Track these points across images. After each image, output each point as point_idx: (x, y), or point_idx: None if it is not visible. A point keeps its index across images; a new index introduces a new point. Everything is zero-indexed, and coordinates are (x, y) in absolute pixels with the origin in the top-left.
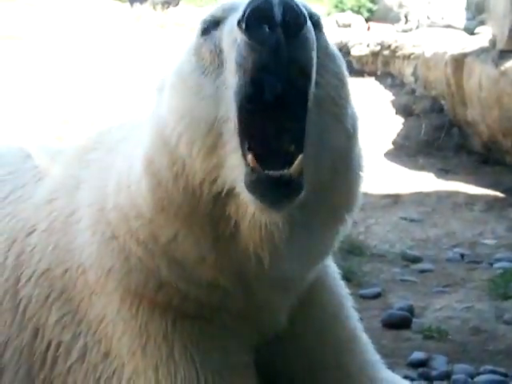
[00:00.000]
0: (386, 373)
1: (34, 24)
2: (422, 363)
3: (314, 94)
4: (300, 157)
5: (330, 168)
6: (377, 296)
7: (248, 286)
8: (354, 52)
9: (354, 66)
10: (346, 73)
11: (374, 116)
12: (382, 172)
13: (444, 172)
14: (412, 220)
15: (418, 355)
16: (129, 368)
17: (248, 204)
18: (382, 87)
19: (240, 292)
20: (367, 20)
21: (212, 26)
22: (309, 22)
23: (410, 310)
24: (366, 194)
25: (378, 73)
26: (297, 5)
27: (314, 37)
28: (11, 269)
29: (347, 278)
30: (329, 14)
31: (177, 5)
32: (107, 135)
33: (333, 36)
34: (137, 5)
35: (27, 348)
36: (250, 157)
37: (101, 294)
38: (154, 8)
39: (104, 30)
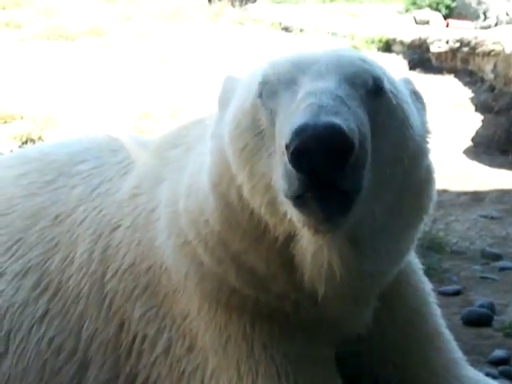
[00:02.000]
0: (469, 370)
1: (113, 19)
2: (503, 361)
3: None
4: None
5: (393, 193)
6: (457, 293)
7: (319, 303)
8: (433, 49)
9: (432, 63)
10: (408, 120)
11: (454, 113)
12: (461, 169)
13: None
14: (492, 217)
15: (499, 353)
16: (212, 363)
17: (307, 241)
18: (461, 84)
19: (312, 305)
20: (445, 17)
21: (268, 92)
22: (357, 146)
23: (491, 307)
24: (445, 192)
25: (457, 70)
26: (345, 134)
27: (368, 148)
28: (98, 263)
29: (427, 274)
30: (407, 11)
31: (255, 1)
32: (187, 132)
33: (411, 33)
34: (215, 1)
35: (113, 340)
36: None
37: (183, 293)
38: (233, 4)
39: (183, 26)
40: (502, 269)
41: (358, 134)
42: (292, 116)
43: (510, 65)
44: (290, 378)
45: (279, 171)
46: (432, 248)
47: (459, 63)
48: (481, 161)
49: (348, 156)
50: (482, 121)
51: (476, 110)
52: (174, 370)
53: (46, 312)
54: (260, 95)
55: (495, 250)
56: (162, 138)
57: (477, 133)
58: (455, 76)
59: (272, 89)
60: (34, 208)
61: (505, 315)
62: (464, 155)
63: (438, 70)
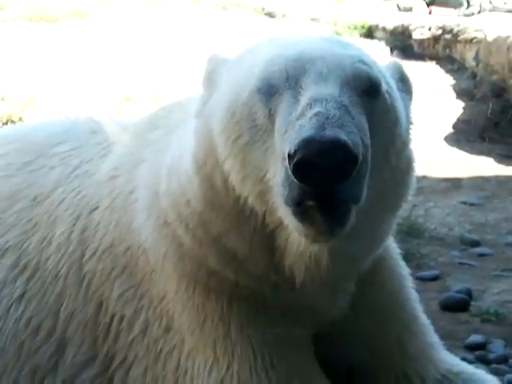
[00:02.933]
0: (444, 354)
1: (96, 2)
2: (479, 346)
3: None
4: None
5: (377, 186)
6: (435, 278)
7: (297, 287)
8: (416, 36)
9: (414, 50)
10: (399, 119)
11: (435, 100)
12: (442, 156)
13: (504, 157)
14: (471, 204)
15: (475, 338)
16: (188, 344)
17: (296, 235)
18: (442, 71)
19: (290, 288)
20: (428, 4)
21: (268, 90)
22: (360, 160)
23: (469, 293)
24: (425, 178)
25: (439, 57)
26: (349, 150)
27: (369, 158)
28: (76, 244)
29: (405, 259)
30: None
31: None
32: (168, 115)
33: (394, 20)
34: None
35: (91, 321)
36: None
37: (161, 274)
38: None
39: (166, 10)
40: (481, 255)
41: (362, 147)
42: (297, 123)
43: (492, 52)
44: (266, 359)
45: (279, 176)
46: (411, 233)
47: (441, 50)
48: (461, 147)
49: (351, 170)
50: (463, 108)
51: (457, 96)
52: (150, 351)
53: (24, 292)
54: (258, 90)
55: (474, 237)
56: (142, 120)
57: (458, 120)
58: (437, 63)
59: (271, 86)
60: (13, 189)
61: (482, 301)
62: (445, 142)
63: (420, 57)
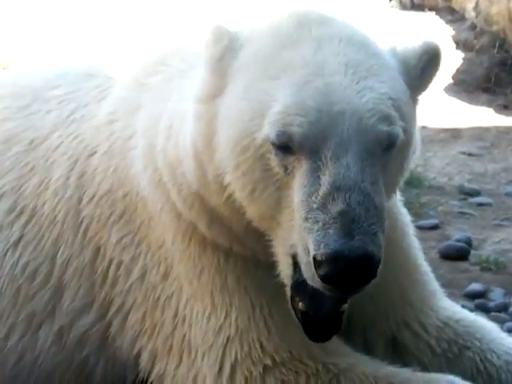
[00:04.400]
0: (445, 302)
1: None
2: (479, 295)
3: None
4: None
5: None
6: (434, 227)
7: None
8: None
9: (414, 0)
10: (412, 144)
11: None
12: (441, 106)
13: (504, 107)
14: (471, 154)
15: (475, 287)
16: (187, 292)
17: None
18: (442, 22)
19: None
20: None
21: (283, 147)
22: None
23: (468, 241)
24: (425, 128)
25: (439, 7)
26: (375, 263)
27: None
28: (74, 188)
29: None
30: None
31: None
32: (166, 61)
33: None
34: None
35: (88, 266)
36: (301, 304)
37: (159, 221)
38: None
39: None
40: (480, 204)
41: (383, 241)
42: (320, 218)
43: (492, 3)
44: (264, 308)
45: (302, 257)
46: (410, 183)
47: (441, 1)
48: (461, 98)
49: (374, 275)
50: (463, 59)
51: (457, 47)
52: (148, 297)
53: (20, 237)
54: (273, 144)
55: (473, 186)
56: (138, 64)
57: (457, 71)
58: (437, 13)
59: (288, 146)
60: (8, 133)
61: (482, 250)
62: (444, 92)
63: (420, 8)
